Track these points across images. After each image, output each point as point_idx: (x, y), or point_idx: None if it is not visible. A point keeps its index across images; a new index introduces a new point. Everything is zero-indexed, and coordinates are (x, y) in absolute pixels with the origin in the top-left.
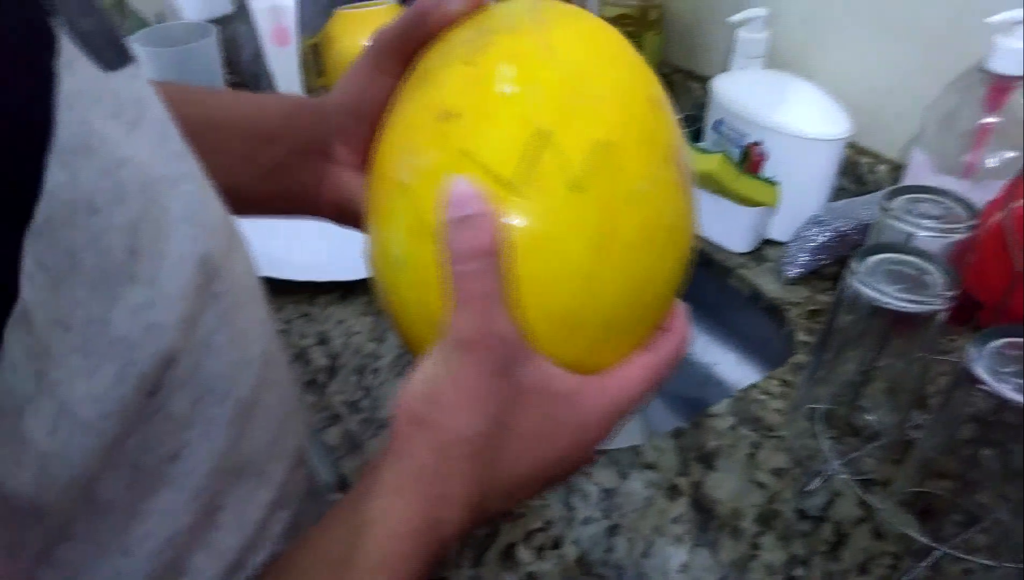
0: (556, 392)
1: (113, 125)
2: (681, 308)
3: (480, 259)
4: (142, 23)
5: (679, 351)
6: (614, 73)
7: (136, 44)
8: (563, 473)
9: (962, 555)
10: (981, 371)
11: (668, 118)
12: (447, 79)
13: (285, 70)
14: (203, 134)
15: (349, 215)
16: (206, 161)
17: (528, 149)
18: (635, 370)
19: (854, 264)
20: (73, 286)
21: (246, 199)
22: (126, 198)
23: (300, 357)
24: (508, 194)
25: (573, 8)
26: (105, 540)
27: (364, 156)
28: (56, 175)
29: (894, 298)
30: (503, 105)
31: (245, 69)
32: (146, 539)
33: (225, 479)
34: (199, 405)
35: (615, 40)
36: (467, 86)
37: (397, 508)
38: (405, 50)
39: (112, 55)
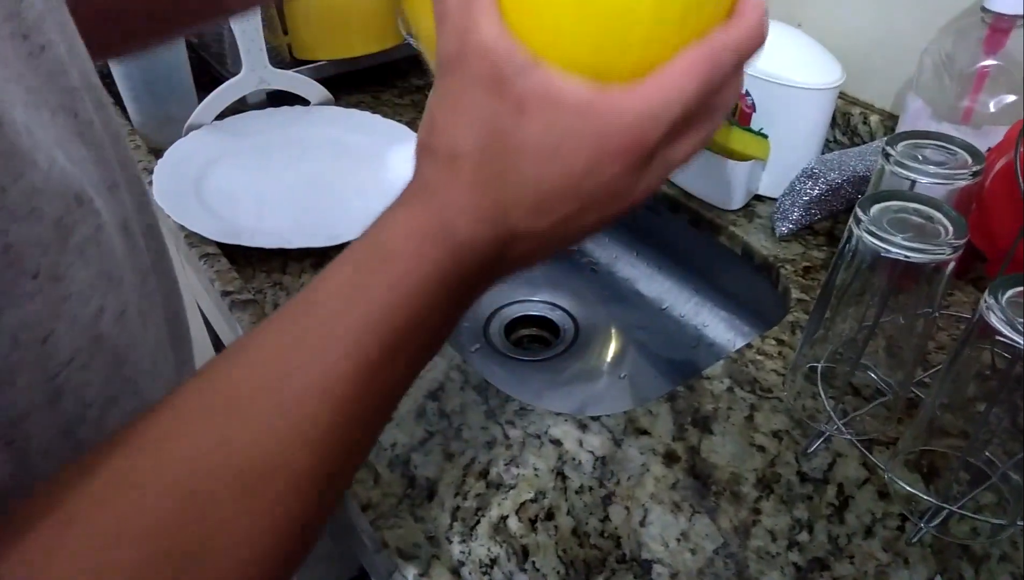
0: (564, 102)
1: None
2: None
3: None
4: None
5: (749, 36)
6: None
7: None
8: (604, 193)
9: (970, 515)
10: (998, 321)
11: None
12: None
13: (247, 26)
14: None
15: None
16: None
17: None
18: (680, 63)
19: (860, 213)
20: None
21: None
22: None
23: None
24: None
25: None
26: None
27: None
28: None
29: (904, 248)
30: None
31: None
32: None
33: None
34: None
35: None
36: None
37: (400, 214)
38: None
39: None
